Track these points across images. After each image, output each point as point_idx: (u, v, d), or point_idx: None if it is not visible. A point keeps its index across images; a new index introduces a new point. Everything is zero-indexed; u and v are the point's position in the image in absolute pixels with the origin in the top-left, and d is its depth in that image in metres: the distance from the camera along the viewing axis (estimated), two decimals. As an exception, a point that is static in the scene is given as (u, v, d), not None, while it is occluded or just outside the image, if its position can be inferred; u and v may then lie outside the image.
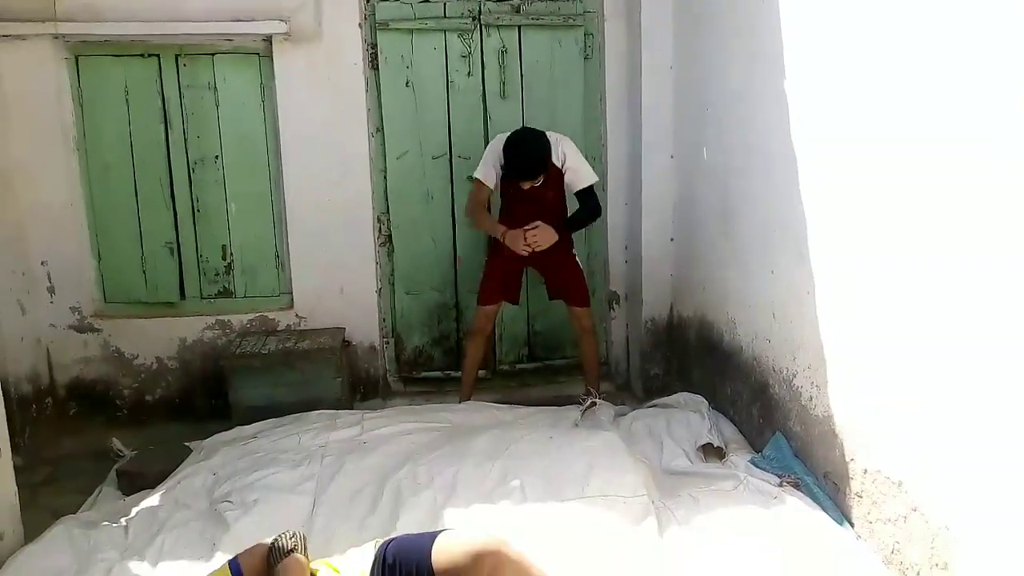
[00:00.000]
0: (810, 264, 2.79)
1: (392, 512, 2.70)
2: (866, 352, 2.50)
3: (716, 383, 3.63)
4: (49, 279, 4.14)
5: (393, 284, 4.47)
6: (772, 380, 3.14)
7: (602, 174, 4.32)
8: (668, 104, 4.07)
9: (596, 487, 2.76)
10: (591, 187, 3.87)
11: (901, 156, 2.26)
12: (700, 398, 3.58)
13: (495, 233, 3.81)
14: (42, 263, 4.12)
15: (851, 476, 2.60)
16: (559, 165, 3.80)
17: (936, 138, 2.11)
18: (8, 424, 2.78)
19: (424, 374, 4.56)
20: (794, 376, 2.97)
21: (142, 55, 4.11)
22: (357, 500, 2.82)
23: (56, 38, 3.97)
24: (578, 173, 3.83)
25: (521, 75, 4.34)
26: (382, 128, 4.29)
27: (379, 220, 4.38)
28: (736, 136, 3.40)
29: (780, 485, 2.77)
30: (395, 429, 3.38)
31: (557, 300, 4.12)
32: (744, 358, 3.39)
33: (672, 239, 4.17)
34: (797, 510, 2.61)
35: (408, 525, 2.56)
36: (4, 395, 2.82)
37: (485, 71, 4.32)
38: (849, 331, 2.59)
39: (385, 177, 4.36)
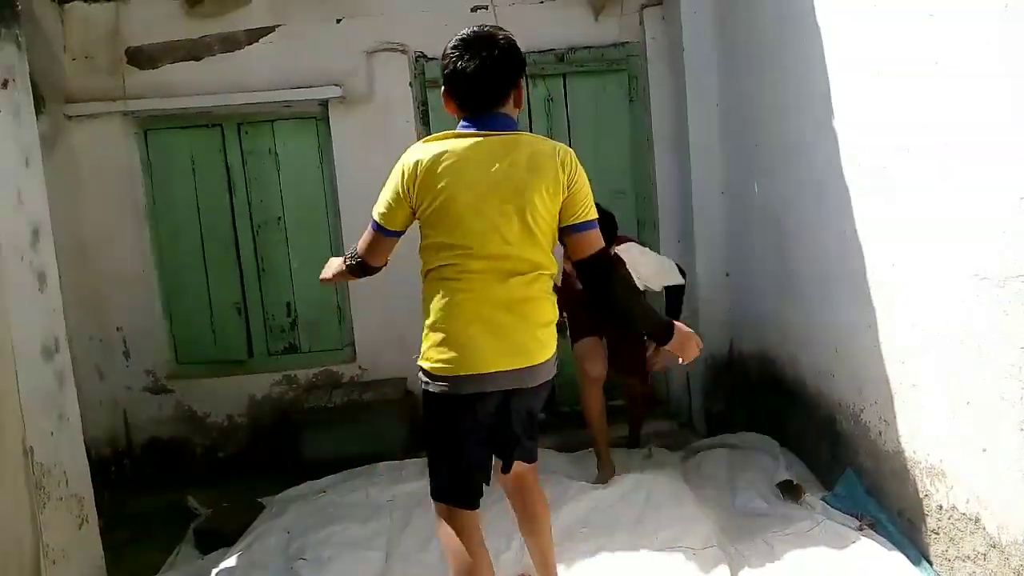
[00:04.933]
0: (870, 297, 2.76)
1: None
2: (932, 385, 2.46)
3: (781, 419, 3.58)
4: (124, 344, 4.33)
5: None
6: (839, 416, 3.09)
7: (653, 213, 4.34)
8: (716, 142, 4.10)
9: (666, 538, 2.75)
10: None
11: (951, 193, 2.25)
12: (769, 439, 3.53)
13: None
14: (117, 329, 4.31)
15: (926, 513, 2.53)
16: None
17: (975, 156, 2.10)
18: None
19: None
20: (862, 411, 2.92)
21: (206, 126, 4.33)
22: (429, 549, 2.84)
23: (126, 115, 4.20)
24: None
25: (568, 121, 4.43)
26: None
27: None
28: (787, 171, 3.40)
29: (860, 528, 2.71)
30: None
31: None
32: (809, 394, 3.35)
33: (728, 274, 4.16)
34: (874, 552, 2.55)
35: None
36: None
37: (532, 120, 4.41)
38: (913, 364, 2.56)
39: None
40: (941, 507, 2.46)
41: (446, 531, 2.16)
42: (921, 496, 2.56)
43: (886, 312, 2.69)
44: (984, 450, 2.23)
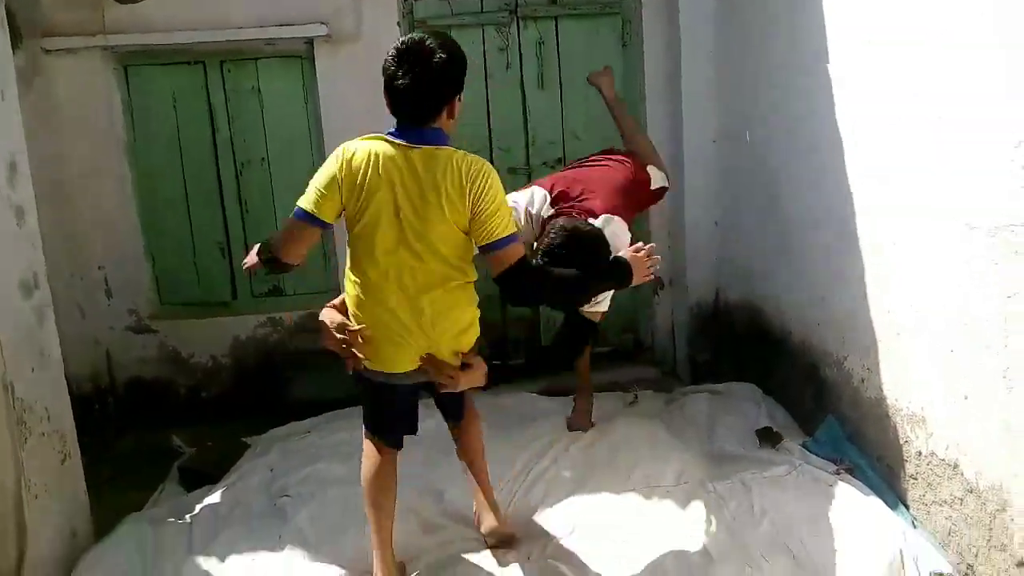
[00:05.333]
0: (859, 247, 2.76)
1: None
2: (916, 333, 2.47)
3: (766, 368, 3.60)
4: (106, 283, 4.27)
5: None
6: (822, 364, 3.12)
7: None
8: (710, 89, 4.05)
9: (640, 478, 2.78)
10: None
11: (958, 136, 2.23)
12: (752, 386, 3.55)
13: None
14: (99, 267, 4.25)
15: (905, 459, 2.57)
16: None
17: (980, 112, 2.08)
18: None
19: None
20: (845, 359, 2.94)
21: (188, 63, 4.21)
22: (407, 487, 2.85)
23: (105, 50, 4.08)
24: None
25: (559, 65, 4.35)
26: None
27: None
28: (780, 120, 3.37)
29: (836, 472, 2.75)
30: (442, 421, 3.42)
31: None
32: (794, 342, 3.36)
33: (716, 223, 4.15)
34: (851, 496, 2.59)
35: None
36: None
37: (523, 63, 4.33)
38: (899, 313, 2.57)
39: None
40: (920, 453, 2.50)
41: (368, 457, 2.40)
42: (901, 443, 2.59)
43: (874, 262, 2.69)
44: (965, 397, 2.25)
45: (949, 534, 2.36)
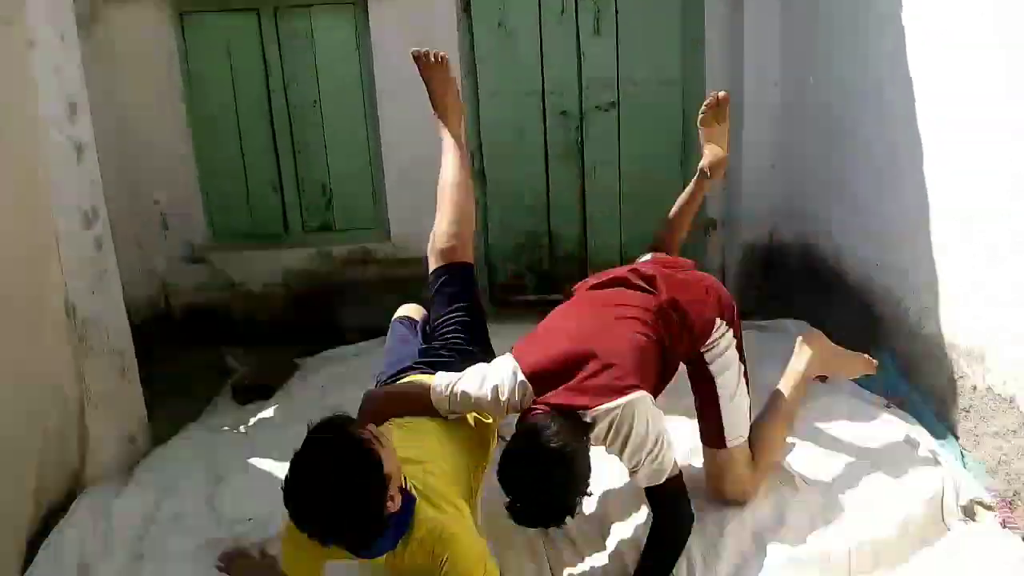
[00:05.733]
0: (924, 188, 2.69)
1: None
2: (979, 271, 2.42)
3: (818, 308, 3.56)
4: (162, 217, 4.38)
5: (486, 215, 4.53)
6: (879, 303, 3.08)
7: (701, 98, 4.24)
8: (773, 31, 3.95)
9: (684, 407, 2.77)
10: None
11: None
12: (802, 322, 3.51)
13: None
14: (155, 202, 4.35)
15: (959, 393, 2.54)
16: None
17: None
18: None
19: (516, 298, 4.63)
20: (903, 298, 2.90)
21: (243, 10, 4.25)
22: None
23: (161, -1, 4.14)
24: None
25: (616, 10, 4.26)
26: (475, 69, 4.31)
27: (471, 154, 4.43)
28: (846, 64, 3.30)
29: (887, 406, 2.72)
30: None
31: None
32: (849, 282, 3.33)
33: (773, 166, 4.08)
34: (897, 425, 2.57)
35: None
36: (125, 321, 3.03)
37: (579, 9, 4.26)
38: (961, 251, 2.51)
39: (478, 114, 4.38)
40: (975, 388, 2.46)
41: None
42: (956, 378, 2.55)
43: (939, 203, 2.64)
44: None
45: (998, 463, 2.34)
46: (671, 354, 2.18)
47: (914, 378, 2.79)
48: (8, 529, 2.28)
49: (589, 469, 1.91)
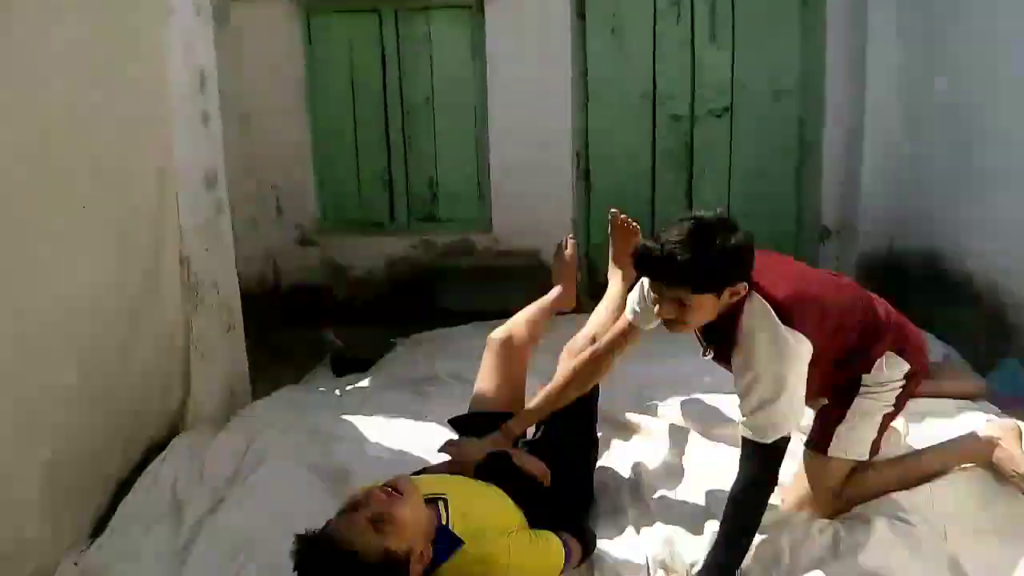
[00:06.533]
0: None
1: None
2: None
3: (936, 313, 3.34)
4: (277, 201, 4.56)
5: (588, 215, 4.50)
6: (1008, 309, 2.87)
7: (821, 111, 4.10)
8: (894, 32, 3.80)
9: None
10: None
11: None
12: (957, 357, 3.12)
13: None
14: (272, 187, 4.53)
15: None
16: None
17: None
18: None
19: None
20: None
21: (365, 11, 4.41)
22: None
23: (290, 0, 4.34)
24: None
25: (733, 18, 4.19)
26: (586, 74, 4.33)
27: (577, 155, 4.42)
28: (977, 67, 3.14)
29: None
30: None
31: None
32: (975, 288, 3.14)
33: (894, 172, 3.89)
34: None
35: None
36: (236, 295, 3.13)
37: (695, 17, 4.21)
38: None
39: (587, 117, 4.38)
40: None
41: None
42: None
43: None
44: None
45: None
46: (860, 342, 2.03)
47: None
48: (101, 465, 2.34)
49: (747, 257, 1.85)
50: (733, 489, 1.91)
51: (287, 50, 4.40)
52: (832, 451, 2.08)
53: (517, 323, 2.65)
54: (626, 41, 4.27)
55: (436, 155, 4.54)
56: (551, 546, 1.85)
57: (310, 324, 4.14)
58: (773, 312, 1.84)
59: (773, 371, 1.83)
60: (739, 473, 1.91)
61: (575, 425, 2.28)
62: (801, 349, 1.84)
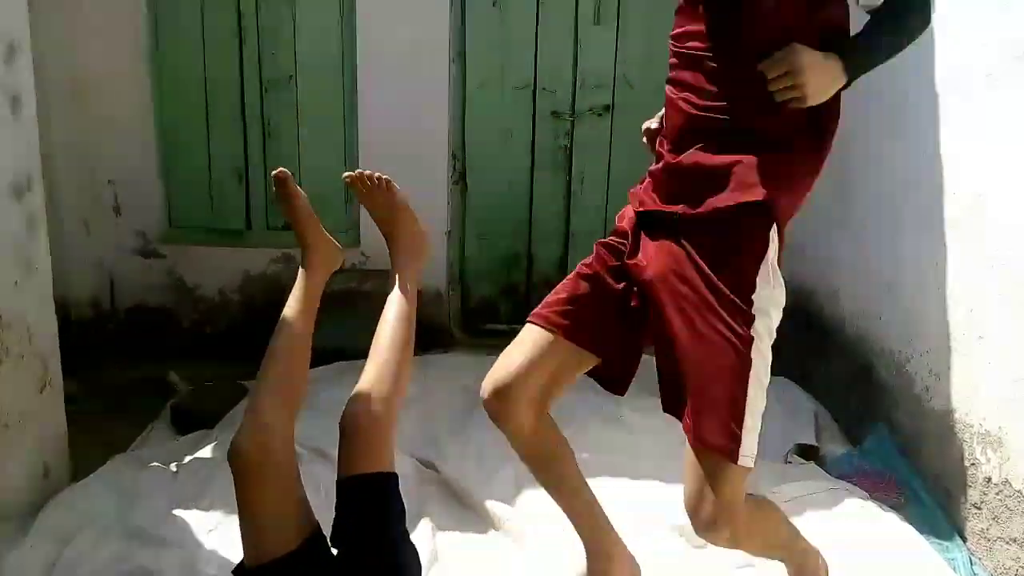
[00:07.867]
0: (942, 231, 2.43)
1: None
2: (1005, 339, 2.16)
3: (808, 362, 3.30)
4: (115, 199, 4.04)
5: (464, 227, 4.24)
6: (879, 363, 2.82)
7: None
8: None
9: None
10: None
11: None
12: (787, 381, 3.16)
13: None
14: (109, 181, 4.02)
15: (970, 484, 2.28)
16: None
17: None
18: (67, 349, 2.67)
19: (489, 326, 4.34)
20: (908, 361, 2.64)
21: None
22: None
23: (131, -55, 3.78)
24: None
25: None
26: (464, 53, 4.03)
27: (454, 156, 4.14)
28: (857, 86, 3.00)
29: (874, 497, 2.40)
30: (453, 384, 3.24)
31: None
32: (847, 335, 3.06)
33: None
34: (891, 526, 2.28)
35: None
36: (64, 319, 2.67)
37: None
38: (982, 312, 2.25)
39: (463, 110, 4.11)
40: (989, 480, 2.21)
41: None
42: (967, 465, 2.30)
43: (959, 249, 2.37)
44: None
45: (1015, 576, 2.08)
46: None
47: (915, 460, 2.53)
48: None
49: None
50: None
51: (127, 7, 3.84)
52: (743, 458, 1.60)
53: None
54: (508, 16, 4.00)
55: (299, 146, 4.12)
56: None
57: (152, 358, 3.73)
58: None
59: None
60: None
61: None
62: None
